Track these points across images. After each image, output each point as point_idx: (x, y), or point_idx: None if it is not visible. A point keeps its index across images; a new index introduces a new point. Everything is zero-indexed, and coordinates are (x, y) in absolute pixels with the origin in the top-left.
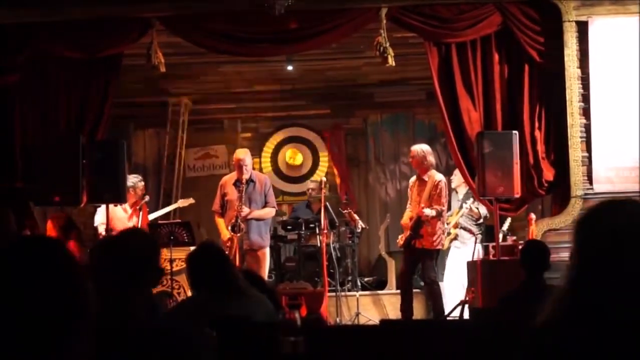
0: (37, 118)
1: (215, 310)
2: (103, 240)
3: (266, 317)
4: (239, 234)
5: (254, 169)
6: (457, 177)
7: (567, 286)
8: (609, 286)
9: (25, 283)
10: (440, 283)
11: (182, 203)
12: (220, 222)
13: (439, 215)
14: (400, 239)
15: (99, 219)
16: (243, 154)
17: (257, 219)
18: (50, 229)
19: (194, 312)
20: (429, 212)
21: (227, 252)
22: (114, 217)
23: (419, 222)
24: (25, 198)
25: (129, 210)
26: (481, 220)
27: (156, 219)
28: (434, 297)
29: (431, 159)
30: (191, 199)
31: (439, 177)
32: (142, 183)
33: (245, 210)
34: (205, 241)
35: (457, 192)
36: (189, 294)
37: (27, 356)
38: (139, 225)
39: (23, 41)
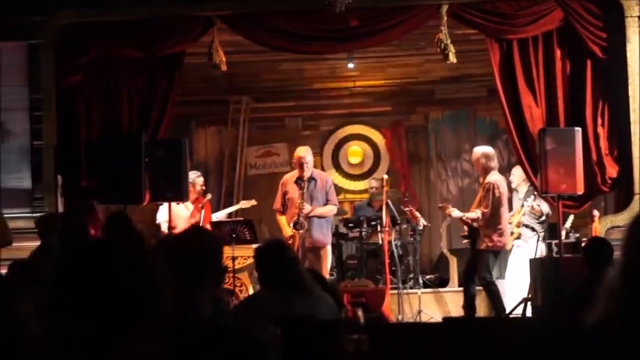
0: (100, 117)
1: (281, 308)
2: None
3: (331, 316)
4: (300, 231)
5: (315, 167)
6: (516, 176)
7: (619, 285)
8: None
9: (105, 281)
10: (502, 281)
11: (244, 204)
12: (282, 219)
13: (482, 217)
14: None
15: (162, 216)
16: (304, 151)
17: (319, 217)
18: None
19: (258, 310)
20: (456, 213)
21: None
22: (176, 215)
23: (467, 224)
24: (89, 197)
25: (191, 208)
26: (543, 218)
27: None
28: (491, 297)
29: (485, 160)
30: (253, 200)
31: (491, 178)
32: (201, 179)
33: (307, 207)
34: (273, 239)
35: (517, 191)
36: (251, 291)
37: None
38: (202, 223)
39: (86, 42)
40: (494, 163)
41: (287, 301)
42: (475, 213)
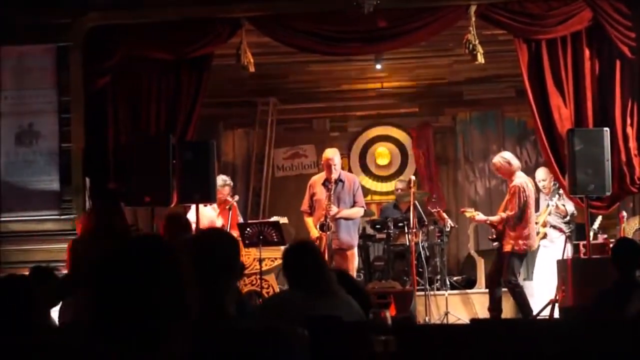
0: (128, 119)
1: (304, 309)
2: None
3: (355, 319)
4: (327, 233)
5: (342, 168)
6: (547, 181)
7: None
8: None
9: (138, 282)
10: (529, 282)
11: (277, 220)
12: (309, 221)
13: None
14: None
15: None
16: (332, 153)
17: (346, 219)
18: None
19: (282, 311)
20: (480, 217)
21: None
22: (203, 217)
23: (495, 227)
24: (117, 198)
25: (217, 210)
26: (568, 218)
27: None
28: (517, 299)
29: (506, 165)
30: (285, 218)
31: (517, 181)
32: (230, 185)
33: (334, 209)
34: (303, 240)
35: (543, 192)
36: None
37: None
38: (229, 225)
39: (115, 44)
40: (516, 163)
41: (310, 302)
42: (499, 216)
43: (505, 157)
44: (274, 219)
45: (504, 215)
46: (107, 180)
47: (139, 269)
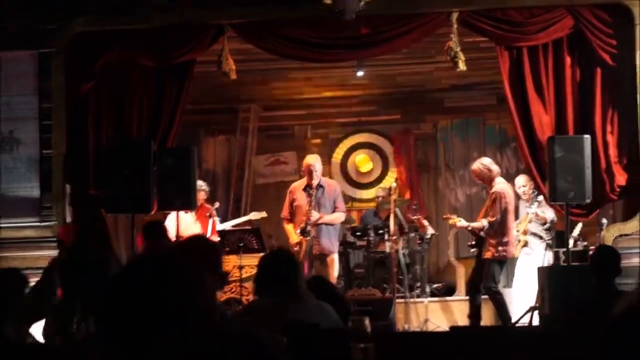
0: (109, 126)
1: (278, 315)
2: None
3: (327, 324)
4: (307, 238)
5: (323, 175)
6: (527, 187)
7: None
8: None
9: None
10: (509, 290)
11: (254, 216)
12: (289, 227)
13: (489, 226)
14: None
15: (169, 226)
16: (313, 159)
17: (327, 224)
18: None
19: (256, 318)
20: (462, 223)
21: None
22: (183, 224)
23: (475, 234)
24: (97, 205)
25: (194, 216)
26: (548, 225)
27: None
28: (497, 306)
29: (486, 170)
30: (264, 212)
31: (498, 187)
32: (206, 188)
33: (315, 214)
34: (279, 248)
35: (523, 199)
36: None
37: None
38: (209, 232)
39: (99, 50)
40: (495, 168)
41: (282, 308)
42: (481, 222)
43: (484, 163)
44: (253, 214)
45: (485, 222)
46: (87, 187)
47: (149, 289)
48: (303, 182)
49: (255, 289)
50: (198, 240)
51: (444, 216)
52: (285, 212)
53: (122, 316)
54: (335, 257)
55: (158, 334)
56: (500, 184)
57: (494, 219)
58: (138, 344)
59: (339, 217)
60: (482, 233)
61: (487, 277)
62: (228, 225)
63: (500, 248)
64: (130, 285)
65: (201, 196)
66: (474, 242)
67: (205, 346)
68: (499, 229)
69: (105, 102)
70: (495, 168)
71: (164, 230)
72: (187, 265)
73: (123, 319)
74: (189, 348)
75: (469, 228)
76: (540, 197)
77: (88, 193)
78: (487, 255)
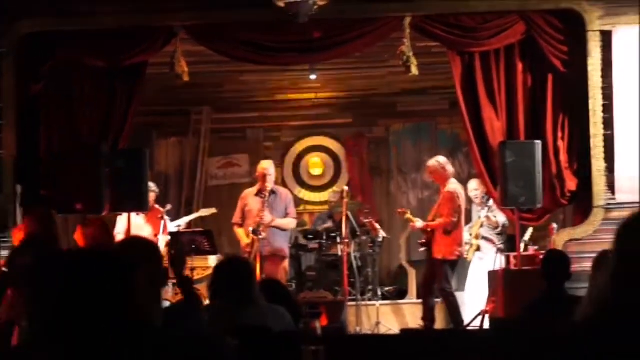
0: (61, 126)
1: (229, 319)
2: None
3: (280, 327)
4: (259, 237)
5: (275, 179)
6: (479, 191)
7: (607, 286)
8: None
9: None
10: (461, 293)
11: (204, 212)
12: (240, 231)
13: (447, 225)
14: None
15: (119, 227)
16: (268, 164)
17: (278, 228)
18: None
19: (210, 320)
20: (420, 224)
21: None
22: (133, 226)
23: (426, 233)
24: (48, 206)
25: (145, 217)
26: (500, 229)
27: (178, 227)
28: (450, 308)
29: (442, 169)
30: (213, 208)
31: (451, 187)
32: (156, 190)
33: (268, 217)
34: (235, 255)
35: (475, 203)
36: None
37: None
38: (160, 234)
39: (49, 51)
40: (450, 169)
41: (233, 311)
42: (438, 222)
43: (440, 161)
44: (202, 211)
45: (441, 221)
46: (39, 188)
47: (89, 284)
48: (255, 189)
49: (211, 294)
50: (138, 239)
51: (399, 209)
52: (236, 218)
53: (61, 313)
54: (286, 261)
55: (97, 331)
56: (453, 184)
57: (449, 219)
58: (76, 341)
59: (290, 222)
60: (441, 230)
61: (440, 279)
62: (179, 222)
63: (452, 248)
64: (69, 282)
65: (151, 197)
66: (424, 241)
67: (144, 345)
68: (452, 229)
69: (56, 103)
70: (450, 168)
71: (104, 229)
72: (125, 262)
73: (62, 316)
74: (126, 347)
75: (428, 229)
76: (491, 202)
77: (39, 194)
78: (438, 256)
